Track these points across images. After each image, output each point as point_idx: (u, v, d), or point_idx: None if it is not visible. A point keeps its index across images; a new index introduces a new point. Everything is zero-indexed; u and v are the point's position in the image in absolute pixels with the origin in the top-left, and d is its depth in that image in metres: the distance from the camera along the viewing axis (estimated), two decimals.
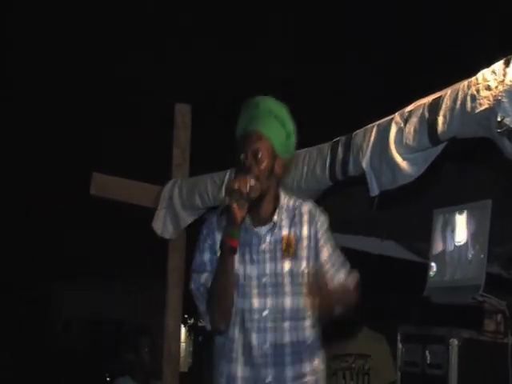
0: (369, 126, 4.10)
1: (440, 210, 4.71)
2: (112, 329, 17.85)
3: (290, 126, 3.62)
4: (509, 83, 2.98)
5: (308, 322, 3.49)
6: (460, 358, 4.14)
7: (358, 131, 4.18)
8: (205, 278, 3.55)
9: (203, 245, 3.62)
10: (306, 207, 3.56)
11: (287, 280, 3.47)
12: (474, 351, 4.18)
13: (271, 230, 3.51)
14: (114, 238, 15.13)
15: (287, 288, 3.47)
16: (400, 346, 4.62)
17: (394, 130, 3.80)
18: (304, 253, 3.49)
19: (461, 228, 4.47)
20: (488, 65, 3.22)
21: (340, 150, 4.22)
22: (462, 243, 4.43)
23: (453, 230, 4.55)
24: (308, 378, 3.48)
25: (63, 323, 18.78)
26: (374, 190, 3.93)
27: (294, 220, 3.53)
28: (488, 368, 4.17)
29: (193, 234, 5.98)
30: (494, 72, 3.12)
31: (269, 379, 3.44)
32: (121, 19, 13.03)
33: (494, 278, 5.07)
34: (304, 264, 3.48)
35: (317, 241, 3.51)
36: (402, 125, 3.75)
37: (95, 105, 13.33)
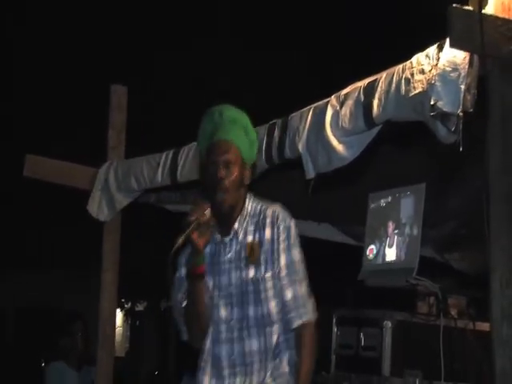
0: (305, 108, 4.09)
1: (375, 194, 4.75)
2: (47, 316, 17.68)
3: (253, 134, 3.64)
4: (442, 67, 3.00)
5: (274, 328, 3.47)
6: (393, 340, 4.18)
7: (294, 114, 4.17)
8: (182, 294, 3.55)
9: (180, 261, 3.63)
10: (270, 211, 3.52)
11: (251, 288, 3.45)
12: (407, 333, 4.23)
13: (234, 239, 3.50)
14: (47, 222, 14.92)
15: (251, 296, 3.45)
16: (335, 329, 4.64)
17: (329, 112, 3.80)
18: (267, 256, 3.46)
19: (395, 211, 4.51)
20: (422, 49, 3.24)
21: (276, 132, 4.21)
22: (395, 226, 4.47)
23: (387, 214, 4.59)
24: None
25: None
26: (310, 173, 3.93)
27: (259, 225, 3.50)
28: (421, 349, 4.22)
29: (128, 217, 5.96)
30: (427, 56, 3.14)
31: None
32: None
33: (427, 261, 5.14)
34: (265, 268, 3.45)
35: (278, 245, 3.46)
36: (338, 108, 3.75)
37: (30, 85, 13.13)
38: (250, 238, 3.49)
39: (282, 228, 3.47)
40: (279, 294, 3.44)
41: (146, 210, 6.28)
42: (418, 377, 4.14)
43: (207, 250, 3.52)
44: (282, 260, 3.44)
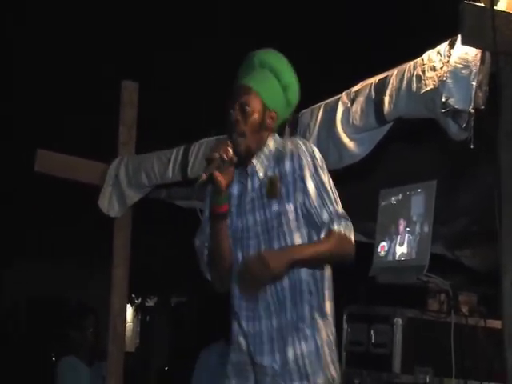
0: (316, 105, 4.10)
1: (386, 191, 4.74)
2: (57, 308, 17.74)
3: (288, 76, 3.48)
4: (453, 64, 3.00)
5: None
6: (404, 337, 4.17)
7: (304, 110, 4.17)
8: (206, 235, 3.48)
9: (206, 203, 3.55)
10: (289, 142, 3.40)
11: (275, 223, 3.33)
12: (417, 330, 4.22)
13: (255, 176, 3.40)
14: (58, 215, 14.96)
15: (275, 232, 3.33)
16: (346, 325, 4.64)
17: (340, 109, 3.80)
18: (289, 188, 3.33)
19: (406, 209, 4.50)
20: (434, 46, 3.24)
21: (287, 129, 4.22)
22: (406, 224, 4.46)
23: (398, 211, 4.58)
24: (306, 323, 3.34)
25: (10, 303, 18.61)
26: None
27: (278, 159, 3.38)
28: (431, 347, 4.21)
29: (139, 213, 5.97)
30: (439, 53, 3.14)
31: (273, 330, 3.36)
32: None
33: (438, 258, 5.13)
34: (287, 200, 3.32)
35: (301, 173, 3.31)
36: (349, 104, 3.76)
37: (41, 80, 13.15)
38: (271, 173, 3.38)
39: (302, 156, 3.32)
40: (308, 223, 3.32)
41: (156, 205, 6.29)
42: (428, 374, 4.14)
43: (234, 191, 3.44)
44: (309, 186, 3.30)
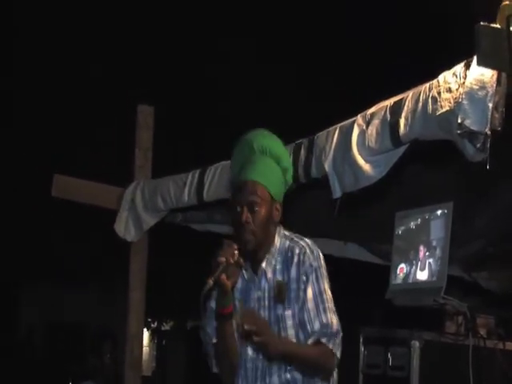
0: (331, 128, 4.10)
1: (402, 213, 4.72)
2: (74, 332, 17.74)
3: (286, 160, 3.53)
4: (469, 85, 2.99)
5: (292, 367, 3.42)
6: (421, 360, 4.14)
7: (320, 133, 4.17)
8: (211, 328, 3.50)
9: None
10: (297, 249, 3.40)
11: (276, 326, 3.36)
12: (435, 353, 4.19)
13: (263, 277, 3.44)
14: (76, 240, 15.01)
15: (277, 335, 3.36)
16: (362, 348, 4.62)
17: (356, 132, 3.80)
18: (291, 295, 3.37)
19: (425, 234, 4.48)
20: (449, 67, 3.23)
21: (303, 152, 4.22)
22: (427, 250, 4.44)
23: (417, 237, 4.56)
24: None
25: (26, 327, 18.63)
26: (337, 192, 3.93)
27: (286, 263, 3.41)
28: (449, 369, 4.18)
29: (155, 237, 5.98)
30: (454, 74, 3.13)
31: None
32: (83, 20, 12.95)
33: (455, 280, 5.11)
34: (288, 307, 3.37)
35: (304, 282, 3.34)
36: (364, 127, 3.75)
37: (57, 105, 13.22)
38: (279, 277, 3.41)
39: (307, 266, 3.35)
40: (303, 330, 3.34)
41: (172, 229, 6.29)
42: None
43: (238, 285, 3.47)
44: (309, 293, 3.34)
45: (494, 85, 2.94)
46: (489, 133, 2.93)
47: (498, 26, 2.93)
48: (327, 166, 3.96)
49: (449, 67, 3.24)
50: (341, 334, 3.35)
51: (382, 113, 3.64)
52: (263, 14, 12.78)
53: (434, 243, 4.36)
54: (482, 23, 2.90)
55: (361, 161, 3.78)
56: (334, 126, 4.07)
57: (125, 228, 5.75)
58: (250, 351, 3.43)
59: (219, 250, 3.29)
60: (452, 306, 4.29)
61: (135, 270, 5.89)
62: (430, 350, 4.18)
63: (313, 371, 3.38)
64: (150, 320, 19.09)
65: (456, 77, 3.12)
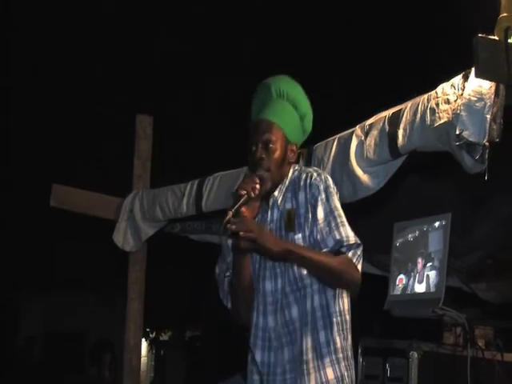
0: (330, 138, 4.10)
1: (401, 224, 4.73)
2: (74, 342, 17.71)
3: (304, 106, 3.50)
4: (467, 97, 3.00)
5: (308, 291, 3.33)
6: (420, 371, 4.14)
7: (319, 144, 4.18)
8: (227, 264, 3.48)
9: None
10: (304, 174, 3.39)
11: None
12: (433, 364, 4.19)
13: (275, 207, 3.42)
14: (75, 250, 15.00)
15: (289, 263, 3.32)
16: (361, 359, 4.61)
17: (354, 142, 3.81)
18: (301, 219, 3.33)
19: (423, 247, 4.48)
20: (447, 79, 3.24)
21: (301, 162, 4.22)
22: (425, 262, 4.43)
23: (416, 249, 4.56)
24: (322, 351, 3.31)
25: (26, 337, 18.60)
26: None
27: (295, 190, 3.39)
28: (448, 380, 4.18)
29: (154, 247, 5.98)
30: (453, 86, 3.14)
31: (287, 362, 3.35)
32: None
33: (453, 291, 5.11)
34: (298, 231, 3.32)
35: (313, 204, 3.31)
36: (363, 138, 3.76)
37: (56, 115, 13.23)
38: (288, 206, 3.39)
39: (315, 186, 3.32)
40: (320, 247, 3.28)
41: (171, 239, 6.29)
42: None
43: (256, 218, 3.42)
44: (319, 213, 3.29)
45: (492, 96, 2.95)
46: (487, 144, 2.94)
47: (495, 37, 2.94)
48: None
49: (447, 78, 3.25)
50: (361, 246, 3.30)
51: (381, 124, 3.65)
52: (260, 29, 12.82)
53: (433, 255, 4.36)
54: (480, 35, 2.91)
55: (359, 171, 3.78)
56: (332, 137, 4.08)
57: (123, 238, 5.75)
58: (268, 284, 3.39)
59: (241, 183, 3.28)
60: (450, 317, 4.29)
61: (134, 280, 5.88)
62: (429, 361, 4.17)
63: (336, 280, 3.29)
64: (148, 330, 19.07)
65: (454, 88, 3.13)
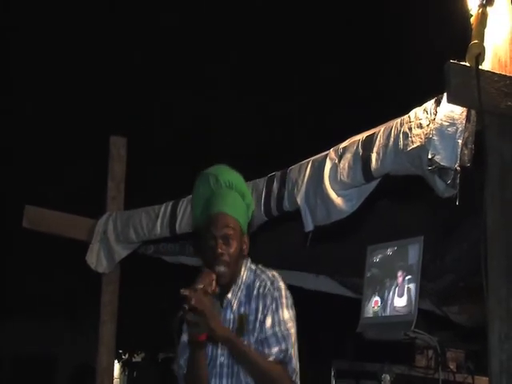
0: (304, 161, 4.12)
1: (374, 247, 4.75)
2: (45, 366, 17.55)
3: (249, 195, 3.60)
4: (439, 122, 3.03)
5: None
6: None
7: (293, 166, 4.19)
8: (184, 360, 3.50)
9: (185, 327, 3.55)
10: (259, 281, 3.43)
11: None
12: None
13: (228, 309, 3.46)
14: (47, 272, 14.90)
15: (237, 367, 3.37)
16: (334, 381, 4.62)
17: (328, 165, 3.82)
18: (250, 327, 3.38)
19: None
20: (420, 103, 3.27)
21: (275, 185, 4.24)
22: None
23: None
24: None
25: None
26: (309, 226, 3.94)
27: (249, 296, 3.44)
28: None
29: (127, 268, 5.96)
30: (425, 110, 3.17)
31: None
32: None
33: (426, 314, 5.12)
34: (248, 338, 3.37)
35: (264, 313, 3.36)
36: (337, 161, 3.78)
37: (29, 136, 13.19)
38: (241, 310, 3.44)
39: (267, 298, 3.37)
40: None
41: (144, 260, 6.28)
42: None
43: None
44: (268, 322, 3.34)
45: (464, 121, 2.98)
46: (458, 169, 2.96)
47: (467, 63, 2.97)
48: (299, 199, 3.98)
49: (420, 103, 3.28)
50: (297, 370, 3.35)
51: (354, 147, 3.67)
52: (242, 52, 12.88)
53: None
54: (451, 61, 2.94)
55: (333, 194, 3.80)
56: (306, 160, 4.09)
57: (97, 260, 5.72)
58: (213, 383, 3.41)
59: (198, 278, 3.29)
60: (422, 340, 4.31)
61: (106, 302, 5.85)
62: None
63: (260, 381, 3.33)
64: (121, 352, 18.94)
65: (427, 113, 3.16)
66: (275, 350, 3.30)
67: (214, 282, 3.28)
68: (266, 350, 3.30)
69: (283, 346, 3.31)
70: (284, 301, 3.39)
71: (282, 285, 3.44)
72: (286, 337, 3.33)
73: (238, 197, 3.51)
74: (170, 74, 12.96)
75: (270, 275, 3.47)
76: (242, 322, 3.41)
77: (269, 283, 3.41)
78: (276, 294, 3.38)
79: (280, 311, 3.36)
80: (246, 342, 3.34)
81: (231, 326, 3.43)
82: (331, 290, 6.34)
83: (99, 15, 12.86)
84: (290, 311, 3.41)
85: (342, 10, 12.30)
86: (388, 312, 4.49)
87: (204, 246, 3.45)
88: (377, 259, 4.68)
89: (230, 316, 3.45)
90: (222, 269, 3.36)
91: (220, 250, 3.37)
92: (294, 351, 3.36)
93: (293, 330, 3.38)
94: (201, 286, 3.22)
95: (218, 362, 3.42)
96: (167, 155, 12.78)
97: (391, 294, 4.50)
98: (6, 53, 12.93)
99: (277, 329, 3.33)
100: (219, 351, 3.43)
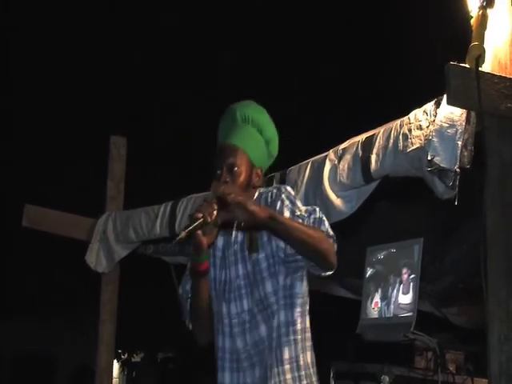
0: (303, 162, 4.12)
1: (373, 248, 4.74)
2: (45, 365, 17.55)
3: (270, 131, 3.51)
4: (439, 123, 3.03)
5: (273, 310, 3.32)
6: None
7: (292, 167, 4.19)
8: (190, 284, 3.46)
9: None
10: (265, 195, 3.38)
11: (252, 274, 3.31)
12: None
13: (236, 230, 3.40)
14: (47, 271, 14.90)
15: (255, 283, 3.31)
16: (333, 382, 4.62)
17: (328, 167, 3.82)
18: (265, 239, 3.30)
19: (393, 266, 4.50)
20: (420, 105, 3.27)
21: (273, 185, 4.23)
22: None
23: (385, 268, 4.58)
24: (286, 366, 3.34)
25: None
26: None
27: None
28: None
29: (126, 268, 5.96)
30: (425, 112, 3.17)
31: (258, 380, 3.33)
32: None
33: (425, 315, 5.12)
34: (261, 250, 3.30)
35: (280, 213, 3.24)
36: (336, 162, 3.78)
37: (29, 135, 13.19)
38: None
39: (276, 202, 3.29)
40: (287, 269, 3.27)
41: (143, 260, 6.28)
42: None
43: (220, 243, 3.44)
44: (286, 214, 3.23)
45: (464, 123, 2.98)
46: (458, 170, 2.96)
47: (467, 65, 2.98)
48: (299, 200, 3.97)
49: (420, 104, 3.28)
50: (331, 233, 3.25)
51: (354, 148, 3.67)
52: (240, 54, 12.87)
53: (402, 277, 4.36)
54: (451, 63, 2.94)
55: (332, 196, 3.80)
56: (306, 161, 4.09)
57: (96, 259, 5.72)
58: (233, 307, 3.37)
59: (198, 206, 3.27)
60: (422, 342, 4.31)
61: (106, 302, 5.86)
62: None
63: (313, 250, 3.18)
64: (120, 351, 18.94)
65: (427, 114, 3.16)
66: (311, 220, 3.19)
67: (215, 212, 3.25)
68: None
69: (312, 215, 3.21)
70: (293, 199, 3.33)
71: (289, 189, 3.39)
72: (310, 211, 3.24)
73: (252, 131, 3.47)
74: (170, 74, 12.96)
75: (275, 186, 3.46)
76: (252, 239, 3.33)
77: (275, 190, 3.37)
78: (284, 195, 3.32)
79: (296, 205, 3.29)
80: (263, 256, 3.28)
81: (243, 246, 3.36)
82: (330, 291, 6.33)
83: (99, 15, 12.86)
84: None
85: (342, 10, 12.30)
86: (392, 309, 4.49)
87: (213, 178, 3.43)
88: (380, 256, 4.67)
89: (241, 237, 3.39)
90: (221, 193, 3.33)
91: (224, 178, 3.34)
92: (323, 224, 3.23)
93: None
94: (200, 215, 3.21)
95: (236, 285, 3.37)
96: (167, 155, 12.78)
97: (395, 291, 4.50)
98: (6, 53, 12.93)
99: (298, 213, 3.23)
100: (233, 273, 3.38)
